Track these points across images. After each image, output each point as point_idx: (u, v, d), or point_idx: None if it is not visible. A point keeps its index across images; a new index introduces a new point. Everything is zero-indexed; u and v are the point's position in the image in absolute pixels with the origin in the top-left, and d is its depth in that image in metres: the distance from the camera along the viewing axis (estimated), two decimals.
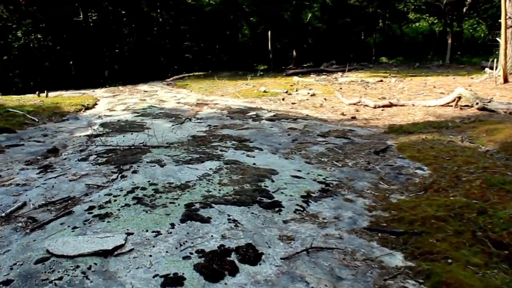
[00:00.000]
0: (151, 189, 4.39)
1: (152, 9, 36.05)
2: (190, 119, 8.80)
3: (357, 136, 7.35)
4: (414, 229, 3.66)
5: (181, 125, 8.16)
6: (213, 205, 3.98)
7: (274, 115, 9.06)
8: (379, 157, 6.00)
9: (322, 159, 5.89)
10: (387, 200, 4.43)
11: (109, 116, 9.63)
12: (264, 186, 4.55)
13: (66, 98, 13.24)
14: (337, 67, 23.70)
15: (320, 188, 4.64)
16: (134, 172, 5.00)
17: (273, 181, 4.73)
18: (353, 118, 9.64)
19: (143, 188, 4.41)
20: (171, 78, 28.16)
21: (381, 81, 15.86)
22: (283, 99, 12.71)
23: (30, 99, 12.25)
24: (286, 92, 13.92)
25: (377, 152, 6.20)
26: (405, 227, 3.72)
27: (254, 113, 9.45)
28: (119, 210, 3.91)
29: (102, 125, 8.30)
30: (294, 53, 33.34)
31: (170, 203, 4.03)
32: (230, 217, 3.75)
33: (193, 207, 3.92)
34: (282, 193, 4.39)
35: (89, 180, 4.87)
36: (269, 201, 4.16)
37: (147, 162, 5.38)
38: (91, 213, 3.89)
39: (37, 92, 13.88)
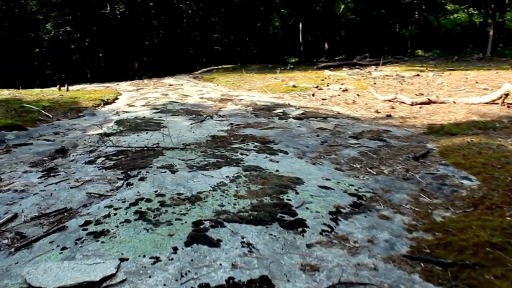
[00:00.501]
0: (157, 201, 3.87)
1: (180, 0, 35.71)
2: (211, 117, 8.28)
3: (393, 138, 6.71)
4: (465, 259, 3.04)
5: (201, 124, 7.64)
6: (225, 223, 3.44)
7: (302, 113, 8.45)
8: (419, 164, 5.36)
9: (354, 165, 5.29)
10: (430, 218, 3.83)
11: (127, 112, 9.20)
12: (287, 199, 3.99)
13: (87, 92, 12.91)
14: (371, 60, 22.91)
15: (351, 202, 4.06)
16: (142, 179, 4.51)
17: (297, 192, 4.16)
18: (388, 116, 8.98)
19: (148, 200, 3.91)
20: (200, 71, 27.82)
21: (418, 75, 15.06)
22: (313, 95, 12.09)
23: (50, 93, 11.95)
24: (317, 87, 13.28)
25: (416, 157, 5.56)
26: (453, 256, 3.11)
27: (281, 110, 8.87)
28: (117, 227, 3.42)
29: (118, 122, 7.85)
30: (326, 45, 32.57)
31: (176, 219, 3.51)
32: (244, 239, 3.21)
33: (201, 226, 3.39)
34: (307, 208, 3.82)
35: (91, 188, 4.40)
36: (292, 219, 3.60)
37: (157, 167, 4.87)
38: (86, 229, 3.41)
39: (58, 86, 13.59)
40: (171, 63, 33.26)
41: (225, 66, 28.02)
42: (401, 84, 13.25)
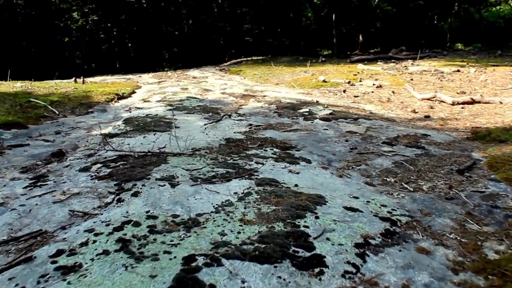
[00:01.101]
0: (146, 226, 3.24)
1: None
2: (229, 116, 7.62)
3: (433, 144, 5.93)
4: None
5: (217, 124, 6.99)
6: (223, 260, 2.78)
7: (330, 113, 7.71)
8: (464, 179, 4.60)
9: (388, 179, 4.57)
10: (481, 253, 3.11)
11: (139, 108, 8.63)
12: (304, 225, 3.30)
13: (104, 85, 12.42)
14: (407, 54, 21.89)
15: (383, 230, 3.36)
16: (135, 194, 3.89)
17: (317, 216, 3.47)
18: (427, 117, 8.18)
19: (136, 224, 3.28)
20: (228, 63, 27.25)
21: (458, 71, 14.08)
22: (344, 91, 11.32)
23: (64, 86, 11.49)
24: (349, 82, 12.49)
25: (461, 170, 4.79)
26: None
27: (307, 109, 8.15)
28: (92, 260, 2.80)
29: (126, 121, 7.26)
30: (361, 38, 31.62)
31: (165, 252, 2.88)
32: (245, 284, 2.55)
33: (193, 264, 2.74)
34: (327, 239, 3.12)
35: (77, 204, 3.82)
36: (308, 254, 2.91)
37: (156, 179, 4.25)
38: (55, 262, 2.82)
39: (74, 78, 13.13)
40: (200, 54, 32.81)
41: (255, 58, 27.34)
42: (441, 80, 12.34)
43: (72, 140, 6.26)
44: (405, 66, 16.74)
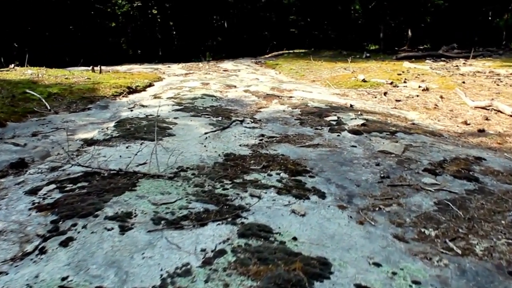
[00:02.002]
0: None
1: None
2: (241, 121, 6.43)
3: (489, 174, 4.58)
4: None
5: (222, 132, 5.81)
6: None
7: (363, 123, 6.39)
8: None
9: (427, 231, 3.30)
10: None
11: (144, 107, 7.53)
12: None
13: (122, 75, 11.49)
14: (459, 52, 20.14)
15: None
16: (66, 243, 2.80)
17: None
18: (481, 131, 6.80)
19: None
20: (269, 55, 26.11)
21: None
22: (384, 94, 9.97)
23: (78, 75, 10.54)
24: (391, 83, 11.09)
25: None
26: None
27: (336, 117, 6.84)
28: None
29: (119, 123, 6.15)
30: (409, 33, 29.87)
31: None
32: None
33: None
34: None
35: None
36: None
37: (106, 217, 3.13)
38: None
39: (91, 67, 12.19)
40: (244, 44, 31.85)
41: (297, 50, 26.04)
42: (497, 85, 10.79)
43: (46, 145, 5.23)
44: (456, 66, 15.15)
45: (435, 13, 31.84)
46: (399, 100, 9.40)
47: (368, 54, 20.28)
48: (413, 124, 7.04)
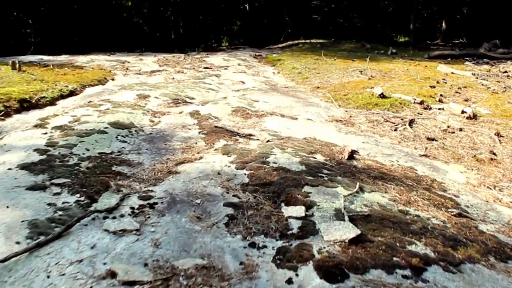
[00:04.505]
0: None
1: None
2: (111, 211, 2.94)
3: None
4: None
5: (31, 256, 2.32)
6: None
7: (357, 238, 2.80)
8: None
9: None
10: None
11: None
12: None
13: (50, 73, 8.16)
14: (505, 52, 16.03)
15: None
16: None
17: None
18: None
19: None
20: (283, 44, 22.48)
21: None
22: (410, 123, 6.35)
23: None
24: (421, 103, 7.38)
25: None
26: None
27: (305, 207, 3.21)
28: None
29: None
30: (443, 25, 25.74)
31: None
32: None
33: None
34: None
35: None
36: None
37: None
38: None
39: (11, 62, 8.75)
40: (262, 30, 28.23)
41: (315, 40, 22.22)
42: None
43: None
44: (506, 73, 11.28)
45: (473, 4, 27.54)
46: (432, 139, 5.78)
47: (394, 50, 16.35)
48: (460, 214, 3.43)
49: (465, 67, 12.53)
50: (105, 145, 4.45)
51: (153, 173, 3.84)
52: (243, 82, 9.41)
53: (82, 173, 3.71)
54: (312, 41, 21.63)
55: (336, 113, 6.84)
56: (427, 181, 4.23)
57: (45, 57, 12.10)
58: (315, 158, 4.35)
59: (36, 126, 5.09)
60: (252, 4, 30.56)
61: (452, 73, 10.95)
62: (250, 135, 4.88)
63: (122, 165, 3.98)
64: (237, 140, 4.83)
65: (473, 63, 13.57)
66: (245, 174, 3.82)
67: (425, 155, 5.26)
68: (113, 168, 3.88)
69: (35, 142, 4.39)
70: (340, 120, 6.40)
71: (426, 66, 12.18)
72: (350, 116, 6.73)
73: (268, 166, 3.95)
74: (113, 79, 8.91)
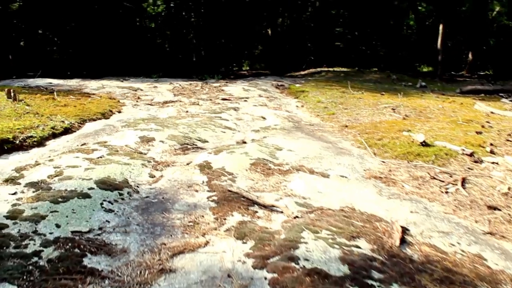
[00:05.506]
0: None
1: None
2: None
3: None
4: None
5: None
6: None
7: None
8: None
9: None
10: None
11: None
12: None
13: (50, 103, 7.16)
14: None
15: None
16: None
17: None
18: None
19: None
20: (305, 71, 21.38)
21: None
22: (463, 183, 5.13)
23: None
24: (471, 154, 6.14)
25: None
26: None
27: None
28: None
29: None
30: (470, 56, 24.41)
31: None
32: None
33: None
34: None
35: None
36: None
37: None
38: None
39: (6, 91, 7.70)
40: (285, 55, 27.24)
41: (338, 69, 21.06)
42: None
43: None
44: None
45: (501, 35, 26.33)
46: (494, 208, 4.56)
47: (423, 83, 15.10)
48: None
49: (503, 104, 11.30)
50: (83, 217, 3.33)
51: (139, 272, 2.70)
52: (264, 118, 8.30)
53: (39, 272, 2.59)
54: (335, 69, 20.48)
55: (372, 166, 5.65)
56: (506, 281, 3.06)
57: (55, 81, 11.16)
58: (359, 248, 3.17)
59: (7, 180, 3.99)
60: (275, 29, 29.67)
61: (492, 112, 9.71)
62: (273, 206, 3.71)
63: (99, 255, 2.86)
64: (256, 213, 3.67)
65: (510, 100, 12.30)
66: (265, 278, 2.66)
67: (490, 233, 4.04)
68: (85, 263, 2.75)
69: None
70: (379, 177, 5.21)
71: (461, 103, 10.94)
72: (390, 170, 5.53)
73: (297, 267, 2.78)
74: (119, 111, 7.88)
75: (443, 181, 5.28)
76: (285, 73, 20.82)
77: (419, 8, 27.57)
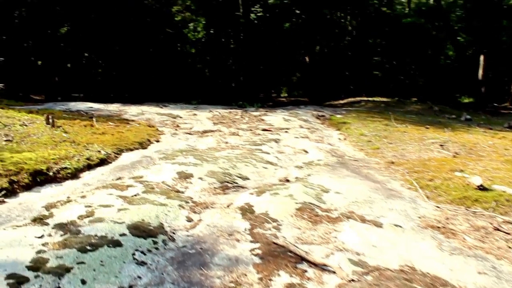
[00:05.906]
0: None
1: (334, 12, 28.99)
2: None
3: None
4: None
5: None
6: None
7: None
8: None
9: None
10: None
11: None
12: None
13: (89, 131, 6.80)
14: None
15: None
16: None
17: None
18: None
19: None
20: (344, 101, 20.88)
21: None
22: None
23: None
24: None
25: None
26: None
27: None
28: None
29: None
30: None
31: None
32: None
33: None
34: None
35: None
36: None
37: None
38: None
39: (46, 116, 7.47)
40: (323, 82, 26.82)
41: (378, 99, 20.45)
42: None
43: None
44: None
45: None
46: None
47: (468, 116, 14.38)
48: None
49: None
50: (112, 271, 2.93)
51: None
52: (306, 151, 7.85)
53: None
54: (375, 99, 19.89)
55: (427, 212, 5.10)
56: None
57: (95, 105, 11.01)
58: None
59: (35, 220, 3.65)
60: (313, 56, 29.39)
61: None
62: (324, 265, 3.23)
63: None
64: (305, 272, 3.20)
65: None
66: None
67: None
68: None
69: (17, 257, 2.94)
70: (437, 227, 4.66)
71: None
72: (447, 218, 4.98)
73: None
74: (157, 141, 7.58)
75: (508, 233, 4.69)
76: (323, 101, 20.37)
77: (458, 38, 26.82)
